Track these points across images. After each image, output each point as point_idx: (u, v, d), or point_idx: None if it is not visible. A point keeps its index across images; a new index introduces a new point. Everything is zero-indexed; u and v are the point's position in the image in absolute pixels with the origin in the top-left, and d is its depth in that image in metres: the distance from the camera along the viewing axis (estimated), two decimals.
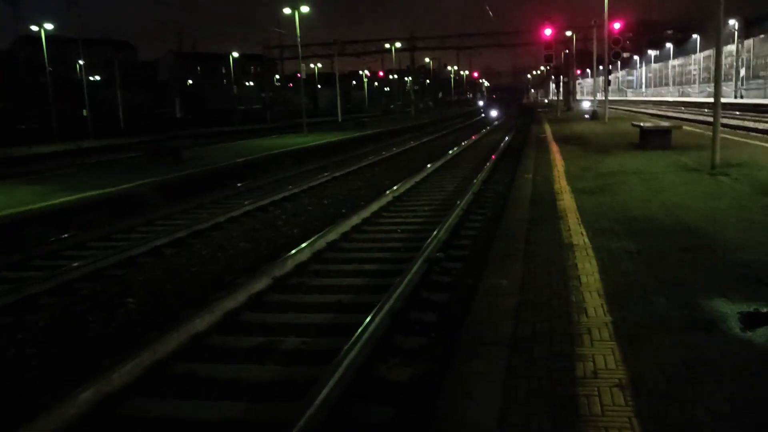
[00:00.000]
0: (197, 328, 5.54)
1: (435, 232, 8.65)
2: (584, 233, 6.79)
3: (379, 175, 16.87)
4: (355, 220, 10.24)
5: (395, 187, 13.18)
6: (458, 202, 10.92)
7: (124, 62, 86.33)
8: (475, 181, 13.57)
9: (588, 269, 5.38)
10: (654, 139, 15.38)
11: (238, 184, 15.47)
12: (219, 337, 5.52)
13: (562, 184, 10.65)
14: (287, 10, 31.31)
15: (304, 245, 8.29)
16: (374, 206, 11.37)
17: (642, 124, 16.95)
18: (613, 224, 7.19)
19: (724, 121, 31.48)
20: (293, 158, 21.21)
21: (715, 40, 12.36)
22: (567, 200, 8.99)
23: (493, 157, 19.56)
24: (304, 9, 31.29)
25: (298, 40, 32.06)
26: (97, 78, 62.42)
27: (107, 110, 44.46)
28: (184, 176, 16.20)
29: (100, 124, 40.31)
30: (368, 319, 5.31)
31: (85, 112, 38.13)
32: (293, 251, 8.00)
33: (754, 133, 22.36)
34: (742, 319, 4.10)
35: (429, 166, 16.93)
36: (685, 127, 20.23)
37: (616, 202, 8.64)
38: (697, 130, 21.63)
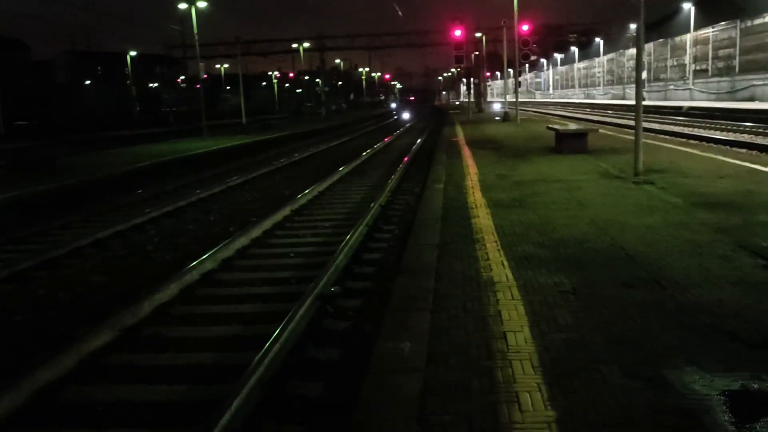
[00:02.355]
0: None
1: (333, 257, 7.33)
2: (505, 263, 5.60)
3: (279, 184, 15.36)
4: (243, 241, 8.76)
5: (295, 199, 11.76)
6: (363, 217, 9.62)
7: (15, 61, 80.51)
8: (383, 191, 12.31)
9: (515, 321, 4.15)
10: (570, 142, 14.61)
11: (118, 198, 13.58)
12: None
13: (476, 195, 9.53)
14: (183, 5, 29.14)
15: (171, 278, 6.79)
16: (267, 223, 9.91)
17: (558, 127, 16.22)
18: (538, 249, 6.04)
19: (631, 123, 31.76)
20: (187, 166, 19.37)
21: (634, 42, 11.60)
22: (483, 217, 7.83)
23: (405, 159, 18.46)
24: (201, 4, 29.23)
25: (196, 37, 29.92)
26: None
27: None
28: (56, 189, 14.19)
29: None
30: (230, 396, 3.92)
31: None
32: (156, 288, 6.48)
33: (662, 135, 22.26)
34: (730, 406, 2.95)
35: (335, 173, 15.56)
36: (599, 130, 19.71)
37: (538, 218, 7.54)
38: (609, 132, 21.27)
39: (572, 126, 18.73)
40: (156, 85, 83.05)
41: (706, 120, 28.99)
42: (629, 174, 10.65)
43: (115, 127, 48.51)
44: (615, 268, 5.29)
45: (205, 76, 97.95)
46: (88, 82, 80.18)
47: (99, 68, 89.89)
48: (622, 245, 6.03)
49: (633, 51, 57.81)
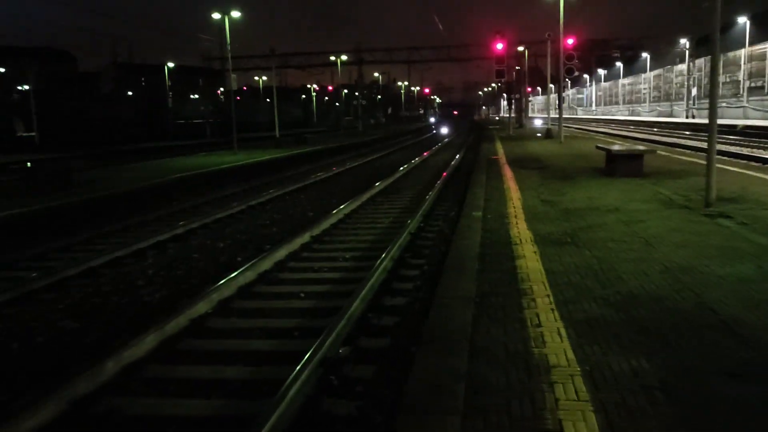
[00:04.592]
0: None
1: (348, 301, 6.11)
2: (563, 331, 4.28)
3: (303, 204, 14.21)
4: (249, 276, 7.59)
5: (317, 223, 10.59)
6: (389, 248, 8.37)
7: (63, 72, 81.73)
8: (414, 215, 11.05)
9: None
10: (623, 164, 13.13)
11: (129, 217, 12.56)
12: None
13: (520, 227, 8.20)
14: (217, 16, 28.40)
15: (151, 326, 5.63)
16: (282, 252, 8.75)
17: (611, 147, 14.75)
18: (603, 309, 4.71)
19: (683, 141, 29.94)
20: (210, 182, 18.39)
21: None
22: (529, 257, 6.51)
23: (442, 176, 17.18)
24: (235, 14, 28.44)
25: (228, 47, 29.17)
26: (26, 87, 57.96)
27: (39, 123, 40.90)
28: (64, 205, 13.28)
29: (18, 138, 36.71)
30: None
31: None
32: (129, 340, 5.32)
33: (719, 156, 20.51)
34: None
35: (363, 193, 14.34)
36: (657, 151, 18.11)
37: (596, 261, 6.19)
38: (663, 153, 19.65)
39: (624, 146, 17.21)
40: (197, 96, 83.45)
41: (764, 140, 27.08)
42: (697, 203, 9.22)
43: (151, 138, 48.28)
44: (711, 343, 3.94)
45: (245, 87, 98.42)
46: (130, 93, 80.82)
47: (142, 80, 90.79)
48: (712, 306, 4.66)
49: (682, 67, 55.73)
